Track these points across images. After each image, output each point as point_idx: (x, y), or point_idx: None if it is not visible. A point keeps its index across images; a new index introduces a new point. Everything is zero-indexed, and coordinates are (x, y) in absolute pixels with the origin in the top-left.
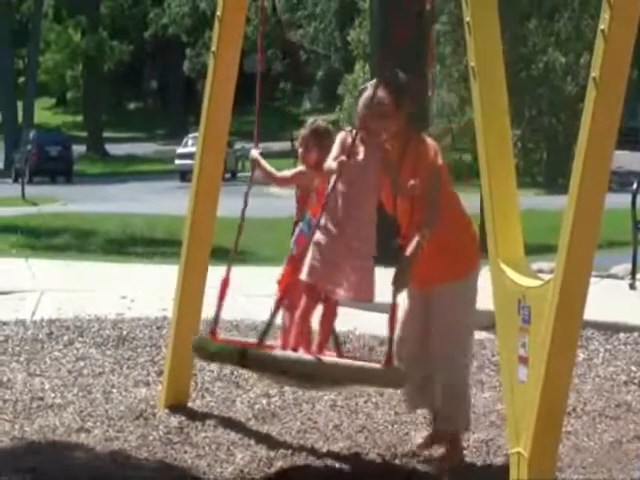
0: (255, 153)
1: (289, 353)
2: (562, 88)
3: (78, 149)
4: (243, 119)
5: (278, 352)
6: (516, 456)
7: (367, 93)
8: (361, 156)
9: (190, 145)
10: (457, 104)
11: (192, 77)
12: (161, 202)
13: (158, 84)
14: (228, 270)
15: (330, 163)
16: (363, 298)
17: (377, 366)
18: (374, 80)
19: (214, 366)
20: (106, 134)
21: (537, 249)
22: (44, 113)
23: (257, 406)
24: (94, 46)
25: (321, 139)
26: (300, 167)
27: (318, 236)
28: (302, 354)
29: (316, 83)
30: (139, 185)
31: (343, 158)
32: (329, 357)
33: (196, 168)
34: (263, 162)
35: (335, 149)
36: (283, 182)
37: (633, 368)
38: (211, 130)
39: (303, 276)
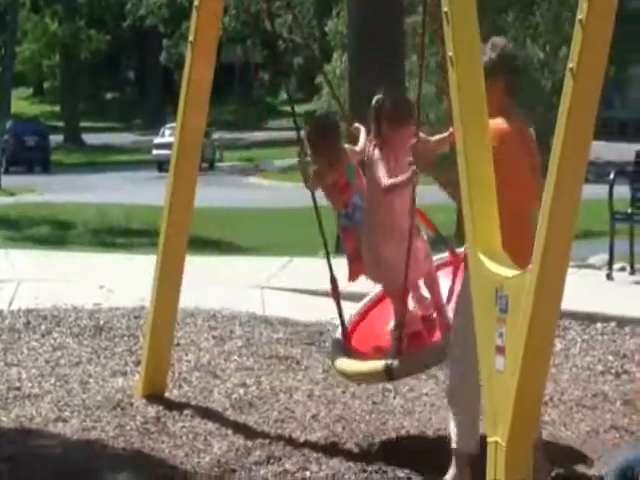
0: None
1: (424, 352)
2: (539, 81)
3: (55, 139)
4: (221, 109)
5: (415, 356)
6: (493, 445)
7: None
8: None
9: (167, 135)
10: (434, 94)
11: (170, 67)
12: (138, 192)
13: (135, 74)
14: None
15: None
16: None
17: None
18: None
19: (191, 356)
20: (83, 124)
21: None
22: (21, 103)
23: (234, 396)
24: (71, 35)
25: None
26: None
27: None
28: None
29: (294, 72)
30: (116, 175)
31: (415, 169)
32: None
33: (173, 158)
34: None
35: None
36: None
37: (610, 358)
38: (188, 120)
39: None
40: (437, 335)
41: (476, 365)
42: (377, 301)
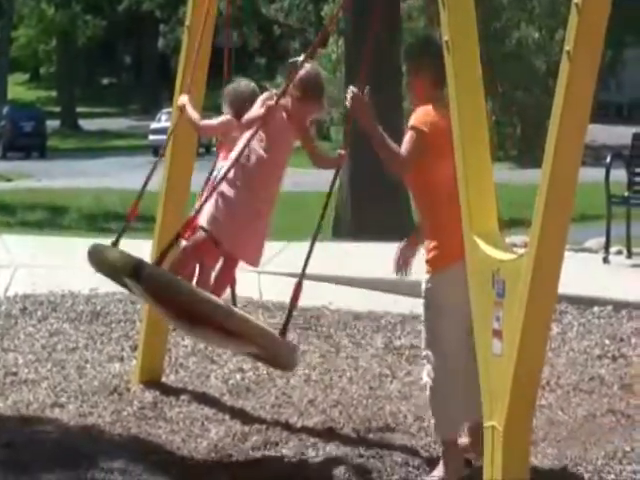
0: (183, 99)
1: (191, 285)
2: (535, 63)
3: (52, 124)
4: (217, 94)
5: (179, 279)
6: (490, 430)
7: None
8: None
9: (164, 120)
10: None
11: (166, 53)
12: (135, 177)
13: (132, 59)
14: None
15: (255, 110)
16: (256, 265)
17: (275, 333)
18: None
19: (188, 341)
20: (80, 109)
21: (511, 223)
22: (17, 88)
23: (231, 381)
24: (67, 21)
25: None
26: (227, 116)
27: (225, 188)
28: (203, 290)
29: (290, 57)
30: (113, 160)
31: (271, 103)
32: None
33: (170, 143)
34: (189, 109)
35: (258, 105)
36: (208, 130)
37: (607, 342)
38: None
39: (204, 223)
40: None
41: (445, 360)
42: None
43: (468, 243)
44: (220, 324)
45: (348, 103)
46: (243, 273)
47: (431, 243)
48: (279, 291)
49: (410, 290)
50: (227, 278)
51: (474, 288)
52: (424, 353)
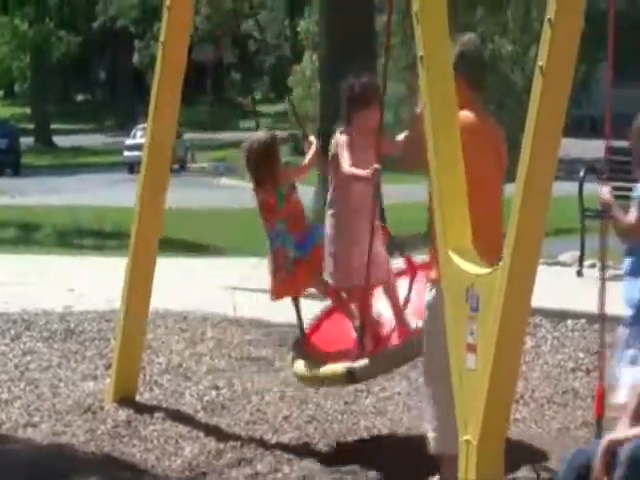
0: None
1: (384, 355)
2: (509, 78)
3: (26, 141)
4: (193, 109)
5: (376, 359)
6: (465, 444)
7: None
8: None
9: (139, 137)
10: (405, 94)
11: (141, 69)
12: (110, 194)
13: (107, 75)
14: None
15: (358, 170)
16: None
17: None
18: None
19: (162, 358)
20: (54, 126)
21: None
22: None
23: (206, 398)
24: (41, 37)
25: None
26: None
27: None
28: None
29: (266, 72)
30: (88, 177)
31: (377, 167)
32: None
33: (144, 160)
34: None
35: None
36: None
37: (581, 355)
38: (159, 121)
39: (334, 282)
40: (396, 339)
41: (445, 373)
42: (333, 310)
43: (443, 258)
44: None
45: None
46: (218, 290)
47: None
48: (254, 307)
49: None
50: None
51: (448, 303)
52: (424, 368)
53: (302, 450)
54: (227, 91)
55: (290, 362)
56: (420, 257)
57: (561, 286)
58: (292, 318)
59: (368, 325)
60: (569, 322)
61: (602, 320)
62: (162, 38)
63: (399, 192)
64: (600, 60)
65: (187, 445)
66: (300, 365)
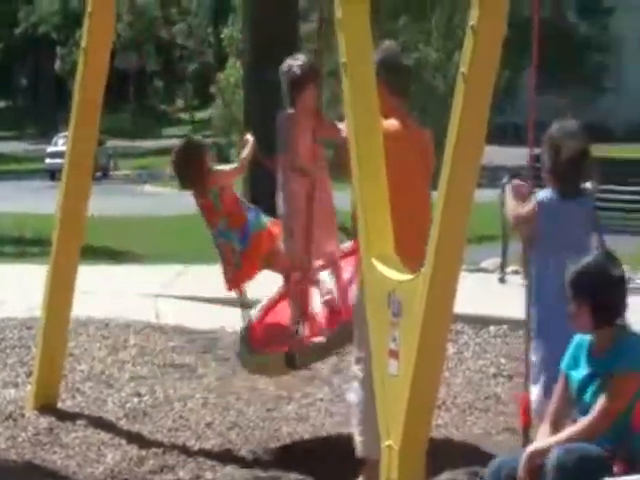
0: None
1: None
2: (432, 85)
3: None
4: (115, 117)
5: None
6: (387, 450)
7: None
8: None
9: (60, 144)
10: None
11: (63, 75)
12: (31, 201)
13: (28, 82)
14: None
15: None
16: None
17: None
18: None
19: (84, 366)
20: None
21: None
22: None
23: (128, 405)
24: None
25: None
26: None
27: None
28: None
29: (189, 80)
30: (8, 184)
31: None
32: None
33: (66, 167)
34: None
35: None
36: None
37: (502, 361)
38: (81, 128)
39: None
40: (337, 320)
41: None
42: (278, 299)
43: (365, 265)
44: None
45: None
46: (141, 297)
47: None
48: (177, 314)
49: None
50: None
51: (371, 309)
52: (354, 372)
53: (225, 456)
54: (150, 99)
55: (237, 352)
56: None
57: (483, 292)
58: (215, 325)
59: (308, 310)
60: (491, 328)
61: (527, 328)
62: (84, 44)
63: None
64: (523, 67)
65: (109, 452)
66: (245, 354)
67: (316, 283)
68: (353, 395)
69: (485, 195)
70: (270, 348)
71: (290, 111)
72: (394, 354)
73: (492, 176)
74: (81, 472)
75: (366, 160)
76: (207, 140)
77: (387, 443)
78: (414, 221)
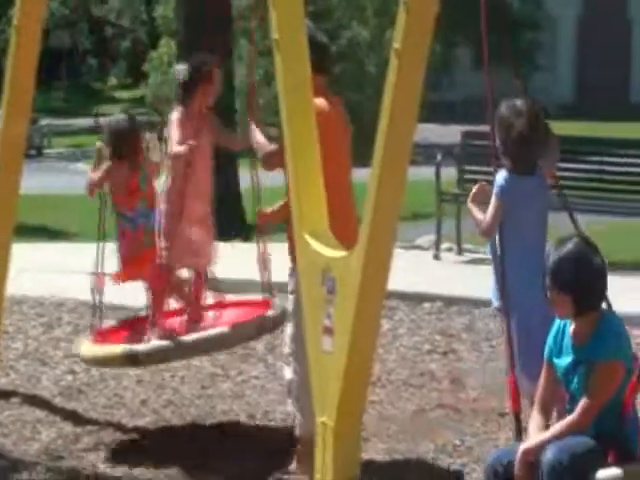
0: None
1: (178, 339)
2: (366, 63)
3: None
4: (49, 95)
5: (164, 344)
6: (322, 426)
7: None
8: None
9: None
10: (261, 79)
11: None
12: None
13: None
14: None
15: (178, 148)
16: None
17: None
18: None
19: (19, 344)
20: None
21: None
22: None
23: (63, 383)
24: None
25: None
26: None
27: (167, 222)
28: (186, 338)
29: (122, 58)
30: None
31: (192, 143)
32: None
33: None
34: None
35: (175, 128)
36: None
37: (437, 337)
38: (13, 107)
39: (165, 260)
40: (184, 328)
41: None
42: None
43: (299, 242)
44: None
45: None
46: (75, 275)
47: None
48: (112, 292)
49: (241, 288)
50: (199, 290)
51: (305, 286)
52: (290, 350)
53: (160, 434)
54: (83, 77)
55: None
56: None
57: (418, 269)
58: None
59: (160, 309)
60: (426, 305)
61: (506, 310)
62: (16, 23)
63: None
64: (455, 44)
65: (44, 430)
66: (83, 346)
67: (176, 287)
68: (287, 373)
69: (420, 173)
70: (114, 340)
71: (179, 109)
72: (329, 331)
73: (426, 153)
74: (16, 450)
75: (299, 136)
76: (141, 118)
77: (322, 419)
78: (346, 198)
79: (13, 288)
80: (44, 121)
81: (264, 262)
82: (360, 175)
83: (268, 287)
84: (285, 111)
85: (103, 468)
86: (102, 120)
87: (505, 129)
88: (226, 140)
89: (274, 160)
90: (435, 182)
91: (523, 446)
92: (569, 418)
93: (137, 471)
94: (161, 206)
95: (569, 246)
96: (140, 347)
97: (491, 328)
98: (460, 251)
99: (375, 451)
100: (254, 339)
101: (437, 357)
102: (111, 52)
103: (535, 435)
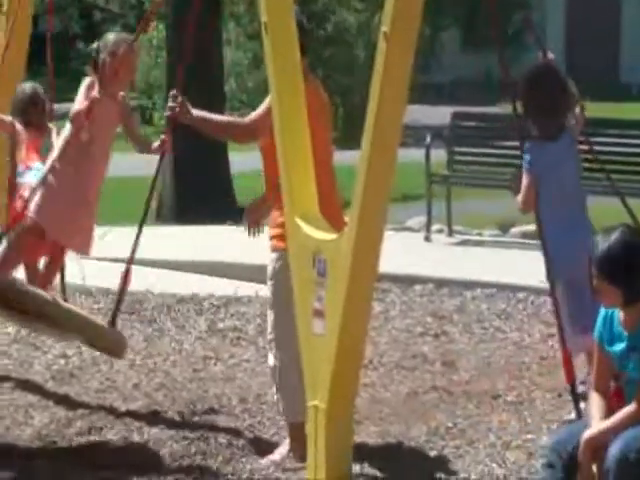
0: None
1: (17, 282)
2: (355, 46)
3: None
4: (39, 79)
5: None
6: (314, 409)
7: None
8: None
9: None
10: (250, 62)
11: None
12: None
13: None
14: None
15: (80, 103)
16: (88, 252)
17: (103, 324)
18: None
19: (11, 329)
20: None
21: None
22: None
23: (55, 367)
24: None
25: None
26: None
27: (51, 179)
28: (28, 286)
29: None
30: None
31: (81, 108)
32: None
33: None
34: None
35: (81, 94)
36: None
37: (428, 319)
38: (4, 92)
39: (32, 214)
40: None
41: (293, 340)
42: None
43: (289, 225)
44: (48, 318)
45: (169, 112)
46: (66, 260)
47: (280, 217)
48: (103, 277)
49: (233, 272)
50: (56, 266)
51: (295, 269)
52: (272, 336)
53: (152, 418)
54: (72, 61)
55: None
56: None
57: (409, 251)
58: (141, 287)
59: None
60: (417, 287)
61: (552, 279)
62: (5, 9)
63: (247, 160)
64: (444, 27)
65: (37, 414)
66: None
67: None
68: (270, 360)
69: (410, 154)
70: None
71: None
72: (319, 313)
73: (416, 135)
74: (9, 434)
75: (288, 118)
76: (131, 102)
77: (314, 403)
78: (332, 180)
79: None
80: None
81: None
82: (349, 157)
83: None
84: (275, 93)
85: (96, 453)
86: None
87: (532, 92)
88: (131, 133)
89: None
90: (425, 164)
91: (586, 435)
92: (629, 408)
93: (130, 454)
94: (48, 163)
95: (617, 235)
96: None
97: (482, 309)
98: (451, 233)
99: (367, 434)
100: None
101: (429, 339)
102: (100, 36)
103: (597, 421)
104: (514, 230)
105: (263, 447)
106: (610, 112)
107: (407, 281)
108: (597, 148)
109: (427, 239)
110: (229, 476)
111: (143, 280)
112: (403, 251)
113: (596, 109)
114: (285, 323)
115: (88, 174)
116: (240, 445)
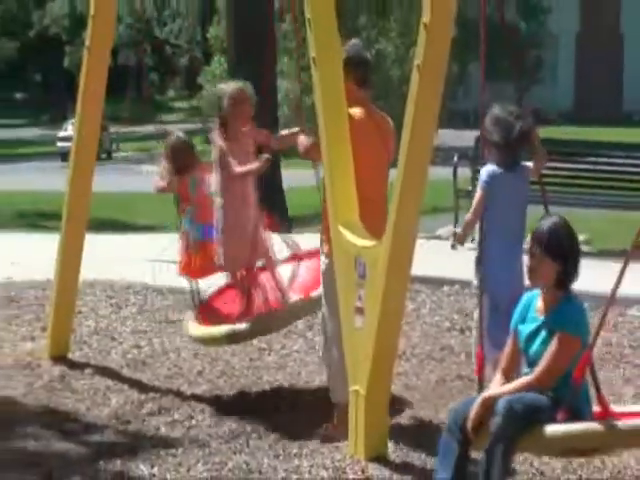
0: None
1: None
2: (391, 75)
3: None
4: (117, 106)
5: (249, 323)
6: (354, 394)
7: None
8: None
9: (69, 130)
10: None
11: (71, 70)
12: (45, 180)
13: (41, 76)
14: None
15: (247, 168)
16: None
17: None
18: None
19: (91, 322)
20: None
21: None
22: None
23: (129, 355)
24: None
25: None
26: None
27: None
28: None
29: (180, 73)
30: (24, 165)
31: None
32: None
33: (73, 149)
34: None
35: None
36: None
37: (455, 316)
38: (86, 115)
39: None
40: (268, 307)
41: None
42: (225, 288)
43: (334, 232)
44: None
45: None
46: (140, 262)
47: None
48: (171, 277)
49: None
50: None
51: (339, 271)
52: (325, 325)
53: (214, 400)
54: (146, 90)
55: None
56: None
57: (438, 257)
58: (204, 286)
59: (246, 295)
60: (445, 288)
61: (480, 292)
62: (88, 44)
63: (297, 177)
64: (469, 61)
65: (113, 397)
66: (190, 327)
67: (256, 282)
68: (323, 348)
69: (439, 172)
70: (214, 321)
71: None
72: (360, 310)
73: (444, 156)
74: (89, 414)
75: (334, 142)
76: (197, 125)
77: (354, 388)
78: (377, 194)
79: (86, 273)
80: (113, 128)
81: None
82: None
83: None
84: (322, 120)
85: (164, 431)
86: (163, 128)
87: (505, 128)
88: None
89: (311, 153)
90: (452, 180)
91: (483, 394)
92: (526, 378)
93: (193, 431)
94: (215, 220)
95: (560, 219)
96: (237, 327)
97: None
98: (474, 240)
99: (401, 417)
100: None
101: (455, 334)
102: (170, 68)
103: (495, 388)
104: (529, 238)
105: (309, 427)
106: (615, 136)
107: (436, 283)
108: (603, 167)
109: (453, 247)
110: (280, 451)
111: (204, 280)
112: (433, 257)
113: (601, 134)
114: (332, 314)
115: (244, 206)
116: (289, 425)
